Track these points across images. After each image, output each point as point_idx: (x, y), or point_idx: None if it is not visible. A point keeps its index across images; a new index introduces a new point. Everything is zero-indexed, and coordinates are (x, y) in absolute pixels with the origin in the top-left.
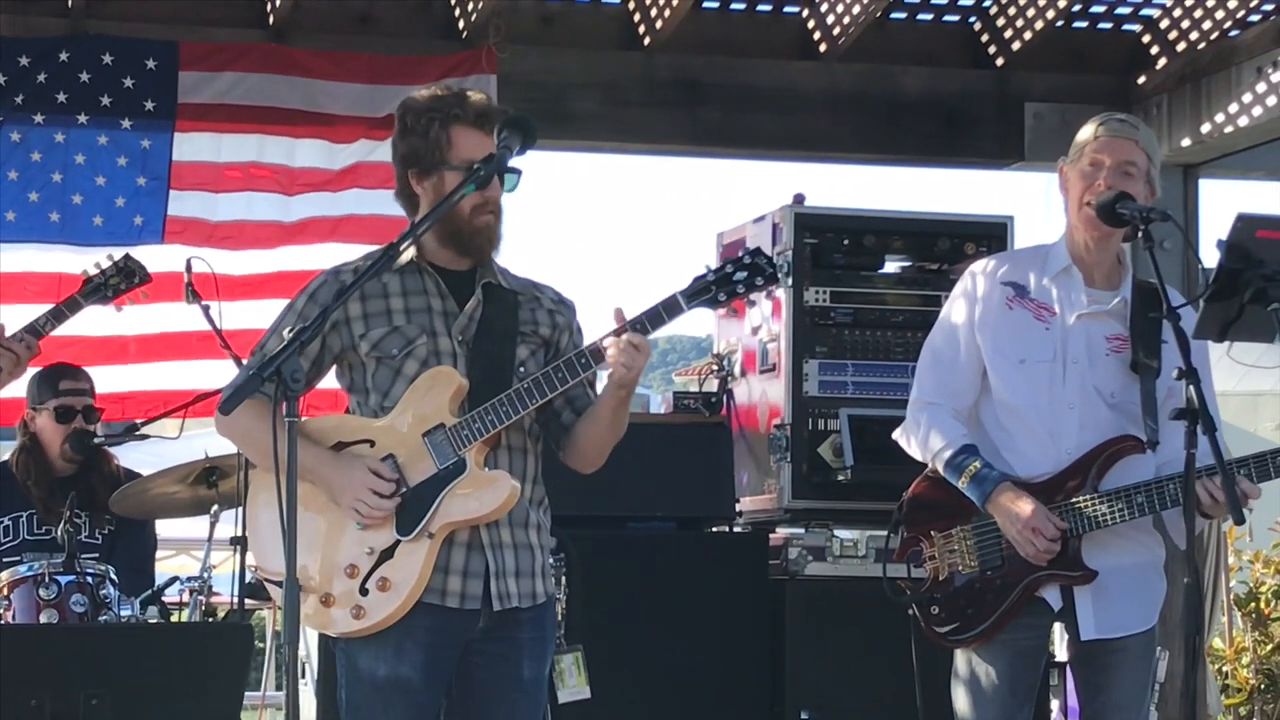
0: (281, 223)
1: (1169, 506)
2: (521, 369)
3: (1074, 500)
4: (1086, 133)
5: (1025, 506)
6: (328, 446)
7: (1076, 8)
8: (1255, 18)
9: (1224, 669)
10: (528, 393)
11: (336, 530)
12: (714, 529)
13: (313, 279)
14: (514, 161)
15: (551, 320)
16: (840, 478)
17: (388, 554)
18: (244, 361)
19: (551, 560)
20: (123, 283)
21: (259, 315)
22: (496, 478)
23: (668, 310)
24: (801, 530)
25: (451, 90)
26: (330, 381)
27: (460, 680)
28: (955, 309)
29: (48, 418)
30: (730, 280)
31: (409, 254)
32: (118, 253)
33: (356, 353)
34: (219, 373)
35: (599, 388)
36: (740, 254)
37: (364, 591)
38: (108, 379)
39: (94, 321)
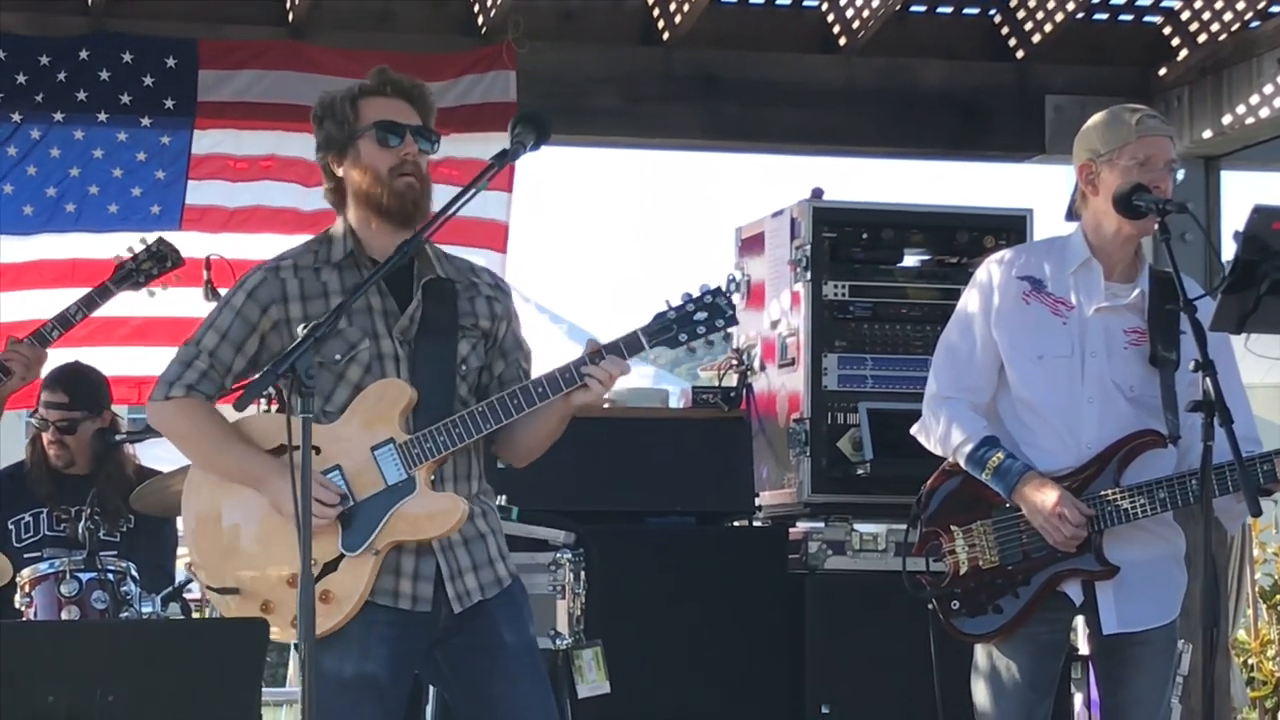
0: (299, 210)
1: (1191, 502)
2: (463, 366)
3: (1097, 494)
4: (1118, 129)
5: (1051, 495)
6: (269, 448)
7: (1096, 0)
8: (1276, 8)
9: (1249, 662)
10: (484, 416)
11: (278, 538)
12: (733, 523)
13: (249, 271)
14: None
15: (490, 310)
16: (860, 471)
17: (331, 567)
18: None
19: (569, 554)
20: (155, 267)
21: None
22: (446, 501)
23: (629, 347)
24: (821, 524)
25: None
26: None
27: (451, 670)
28: (970, 304)
29: (36, 421)
30: (691, 320)
31: (345, 248)
32: (149, 237)
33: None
34: None
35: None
36: (702, 293)
37: None
38: (126, 362)
39: (115, 300)
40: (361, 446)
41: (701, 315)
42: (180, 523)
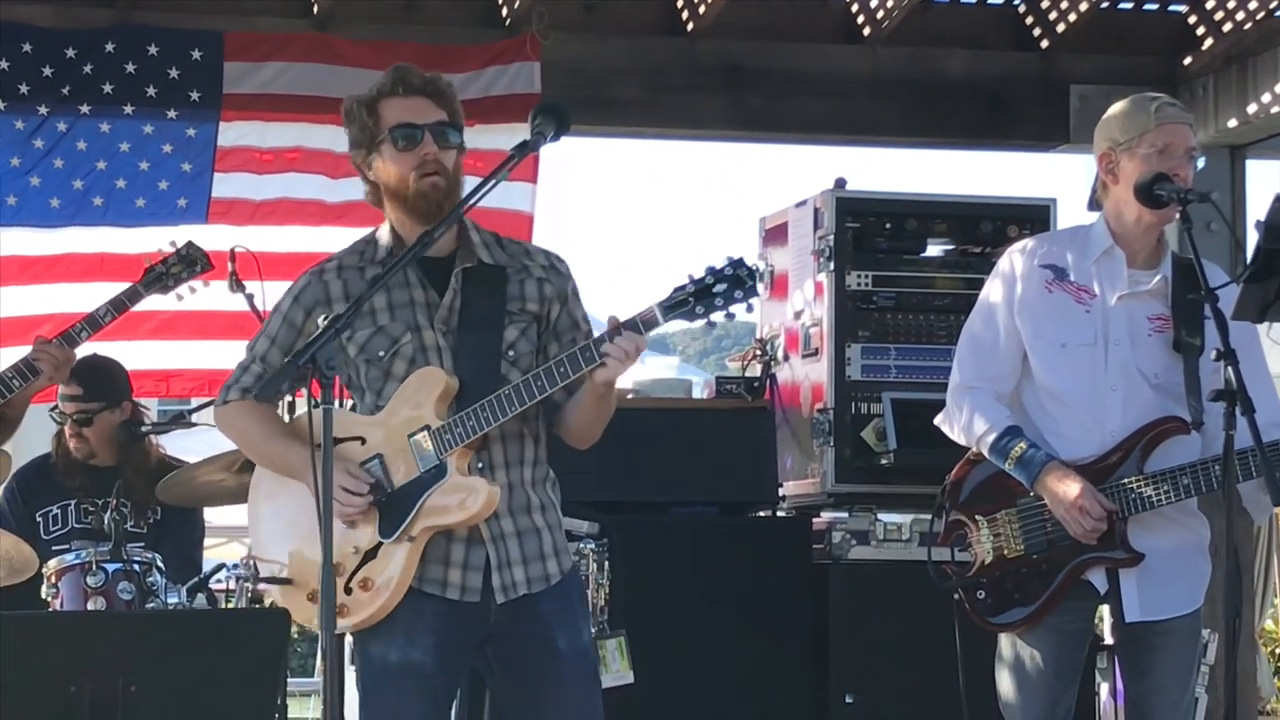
0: (325, 201)
1: (1215, 488)
2: (511, 352)
3: (1120, 482)
4: (1138, 117)
5: (1073, 486)
6: (319, 443)
7: None
8: None
9: (1277, 652)
10: (509, 399)
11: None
12: (757, 513)
13: (300, 276)
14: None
15: (540, 293)
16: (883, 461)
17: (371, 554)
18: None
19: (593, 545)
20: (184, 271)
21: None
22: (474, 485)
23: (645, 323)
24: (845, 514)
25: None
26: None
27: (502, 668)
28: (993, 293)
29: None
30: (709, 293)
31: (387, 247)
32: (179, 240)
33: (345, 354)
34: None
35: None
36: (724, 265)
37: (348, 590)
38: (152, 356)
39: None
40: (400, 435)
41: (721, 288)
42: (228, 510)
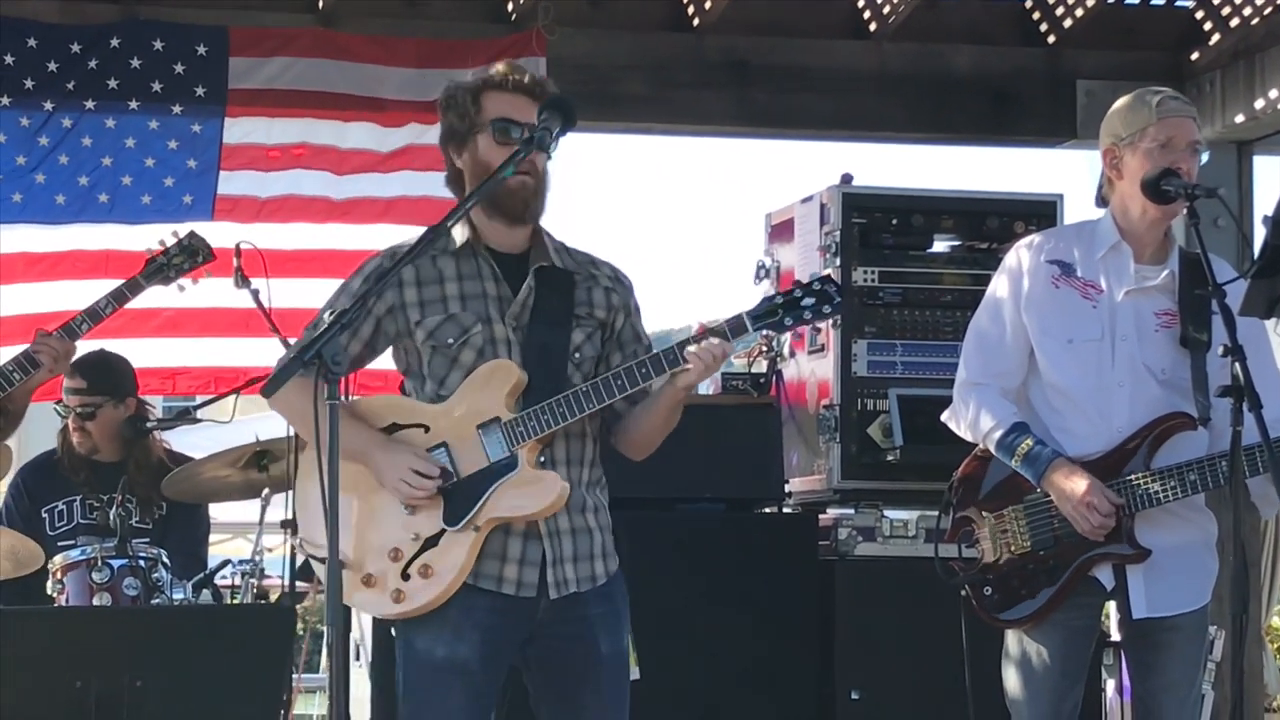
0: (330, 198)
1: (1221, 484)
2: (576, 354)
3: (1127, 478)
4: (1140, 112)
5: (1080, 483)
6: (380, 427)
7: None
8: None
9: None
10: (586, 396)
11: (383, 513)
12: (763, 510)
13: (368, 258)
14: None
15: (607, 301)
16: (890, 458)
17: (432, 541)
18: (291, 341)
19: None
20: (186, 262)
21: (308, 294)
22: (546, 479)
23: (733, 329)
24: (851, 511)
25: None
26: (381, 363)
27: (541, 667)
28: (1000, 289)
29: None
30: (798, 305)
31: (463, 236)
32: (181, 231)
33: (412, 339)
34: (269, 351)
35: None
36: (810, 280)
37: (405, 576)
38: (157, 353)
39: (144, 294)
40: (468, 425)
41: (809, 301)
42: (232, 506)
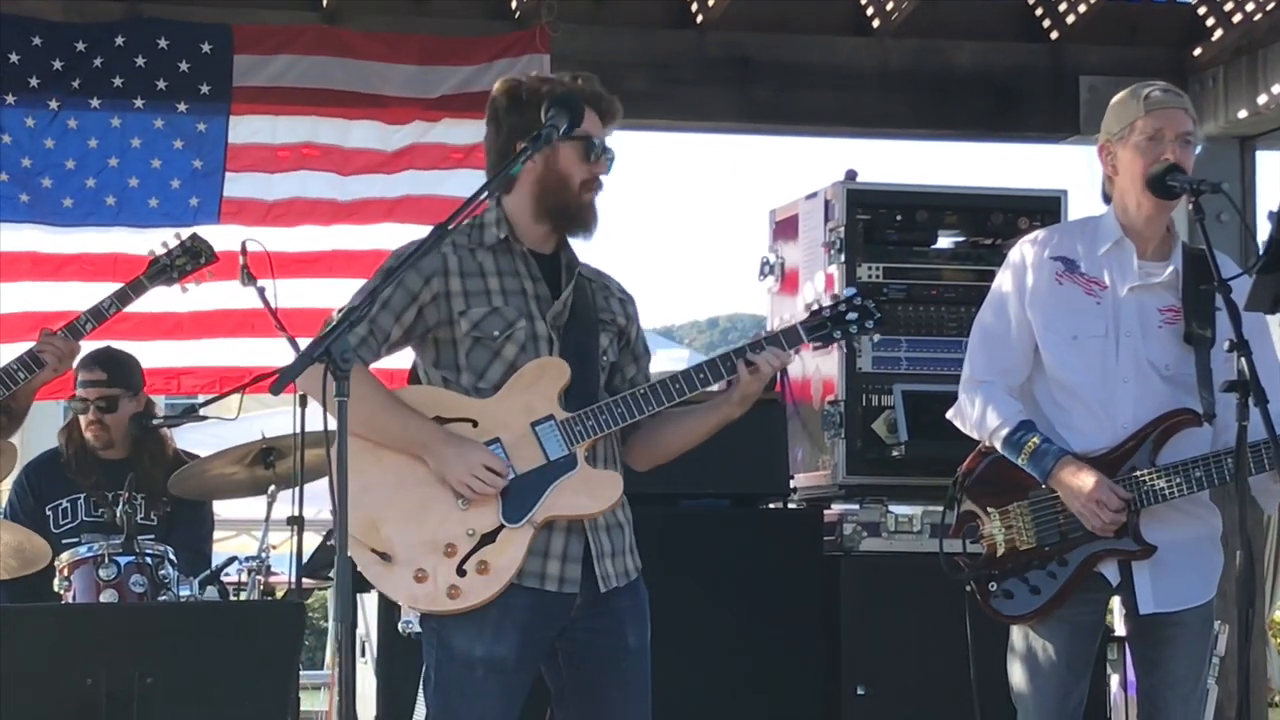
0: (336, 200)
1: (1226, 480)
2: (604, 357)
3: (1132, 474)
4: (1129, 106)
5: (1088, 480)
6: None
7: None
8: None
9: None
10: (645, 399)
11: (436, 507)
12: (768, 505)
13: (406, 244)
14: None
15: (624, 310)
16: (894, 453)
17: (489, 538)
18: (300, 341)
19: None
20: (189, 263)
21: (314, 294)
22: (607, 478)
23: (788, 339)
24: (856, 506)
25: (561, 75)
26: (383, 363)
27: (569, 661)
28: (1004, 285)
29: (74, 405)
30: (843, 319)
31: (501, 232)
32: (184, 232)
33: (453, 329)
34: (274, 351)
35: None
36: (851, 295)
37: (461, 572)
38: (162, 354)
39: (150, 296)
40: (521, 421)
41: (853, 316)
42: (237, 503)
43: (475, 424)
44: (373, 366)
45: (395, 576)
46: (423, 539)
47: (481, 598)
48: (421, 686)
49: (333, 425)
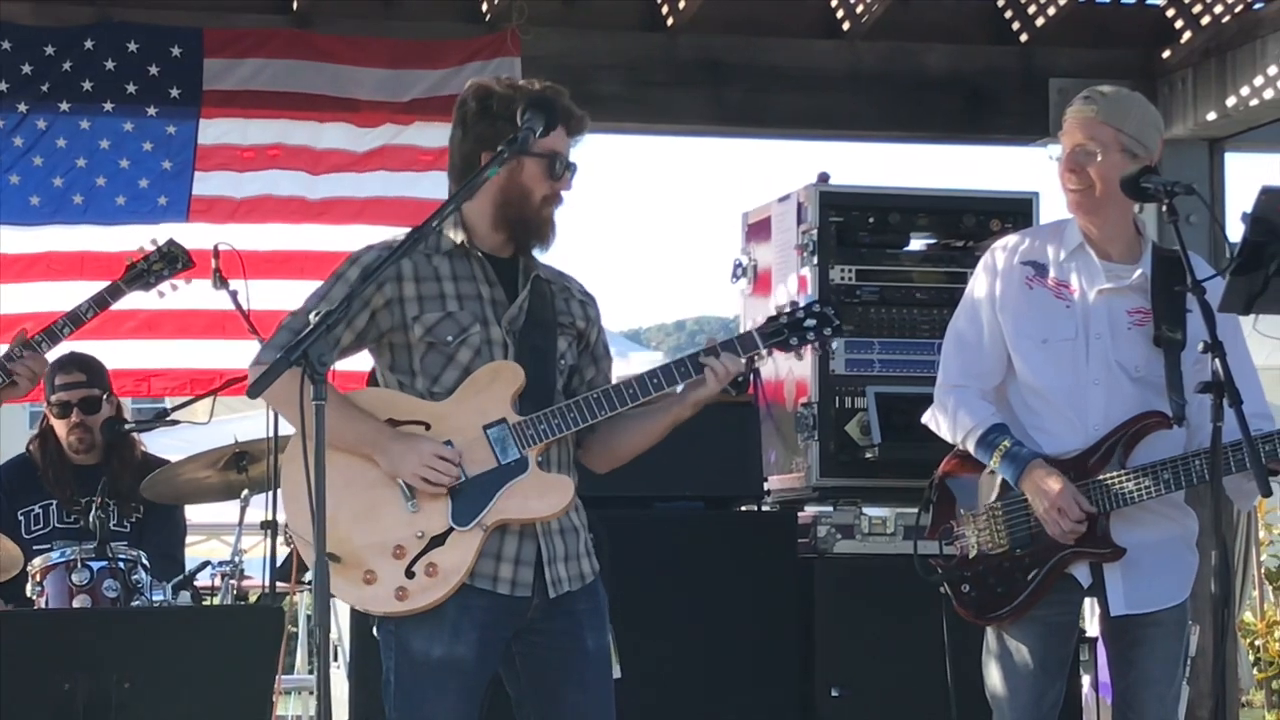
0: (306, 199)
1: (1195, 482)
2: (561, 361)
3: (1102, 477)
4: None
5: (1054, 485)
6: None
7: None
8: None
9: (1256, 643)
10: (599, 402)
11: (385, 509)
12: (742, 508)
13: (362, 249)
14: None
15: (584, 312)
16: (868, 455)
17: (438, 540)
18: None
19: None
20: (166, 269)
21: (285, 296)
22: (557, 482)
23: (743, 344)
24: (830, 508)
25: (531, 82)
26: (352, 364)
27: (527, 665)
28: (977, 290)
29: (51, 412)
30: (801, 326)
31: (457, 237)
32: (160, 238)
33: (406, 334)
34: (246, 353)
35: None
36: (808, 303)
37: (410, 574)
38: (133, 354)
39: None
40: (473, 424)
41: (810, 323)
42: (207, 508)
43: (428, 426)
44: (343, 368)
45: (344, 578)
46: (372, 540)
47: (429, 600)
48: (382, 690)
49: (292, 430)
